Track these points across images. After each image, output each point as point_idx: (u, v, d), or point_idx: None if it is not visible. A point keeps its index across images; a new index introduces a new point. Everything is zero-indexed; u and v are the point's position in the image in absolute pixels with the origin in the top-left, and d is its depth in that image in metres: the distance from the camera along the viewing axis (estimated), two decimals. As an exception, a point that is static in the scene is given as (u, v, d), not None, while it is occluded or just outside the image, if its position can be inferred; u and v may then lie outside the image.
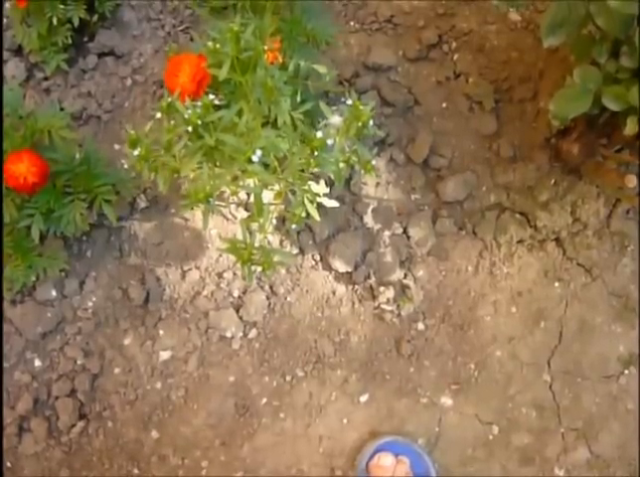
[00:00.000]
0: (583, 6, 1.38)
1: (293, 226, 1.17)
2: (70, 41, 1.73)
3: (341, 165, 1.12)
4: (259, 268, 1.07)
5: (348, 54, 1.81)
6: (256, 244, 1.09)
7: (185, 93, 1.28)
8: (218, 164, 1.12)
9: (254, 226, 1.29)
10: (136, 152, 1.12)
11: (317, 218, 1.38)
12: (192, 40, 1.74)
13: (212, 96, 1.09)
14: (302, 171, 1.18)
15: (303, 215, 1.33)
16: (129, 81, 1.78)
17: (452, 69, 1.83)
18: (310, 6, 1.52)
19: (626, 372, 1.76)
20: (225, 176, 1.09)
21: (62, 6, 1.66)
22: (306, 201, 1.34)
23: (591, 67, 1.46)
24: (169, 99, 1.09)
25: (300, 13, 1.47)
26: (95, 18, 1.76)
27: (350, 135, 1.08)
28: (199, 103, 1.07)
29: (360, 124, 1.07)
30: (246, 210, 1.69)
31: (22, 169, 1.34)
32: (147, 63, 1.79)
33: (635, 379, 1.75)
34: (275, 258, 1.14)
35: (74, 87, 1.77)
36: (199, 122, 1.04)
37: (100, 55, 1.79)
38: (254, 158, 1.06)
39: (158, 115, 1.11)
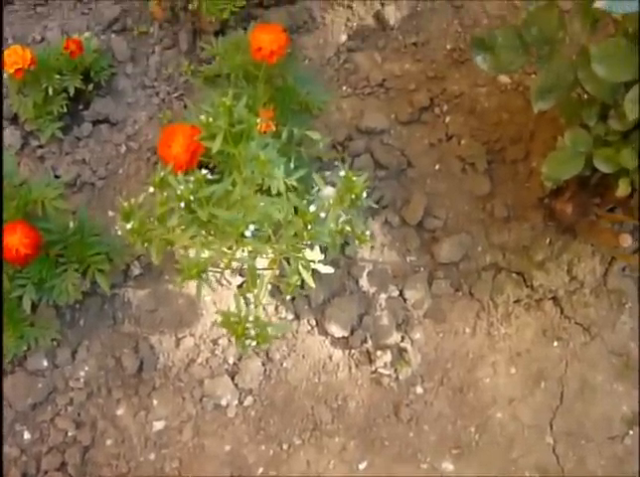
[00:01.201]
0: (572, 72, 1.41)
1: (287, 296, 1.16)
2: (65, 109, 1.75)
3: (335, 236, 1.12)
4: (253, 343, 1.06)
5: (341, 118, 1.84)
6: (250, 317, 1.08)
7: (179, 164, 1.29)
8: (211, 236, 1.12)
9: (250, 295, 1.28)
10: (129, 225, 1.11)
11: (312, 285, 1.37)
12: (185, 107, 1.77)
13: (204, 171, 1.09)
14: (296, 240, 1.18)
15: (298, 283, 1.32)
16: (123, 148, 1.79)
17: (444, 131, 1.86)
18: (302, 74, 1.55)
19: (630, 432, 1.73)
20: (218, 249, 1.08)
21: (58, 76, 1.69)
22: (301, 268, 1.34)
23: (581, 130, 1.48)
24: (161, 174, 1.09)
25: (293, 81, 1.50)
26: (91, 87, 1.78)
27: (343, 206, 1.08)
28: (191, 178, 1.07)
29: (353, 196, 1.07)
30: (241, 275, 1.68)
31: (14, 241, 1.34)
32: (141, 130, 1.81)
33: (640, 439, 1.72)
34: (270, 330, 1.13)
35: (68, 155, 1.78)
36: (191, 198, 1.04)
37: (95, 122, 1.81)
38: (247, 233, 1.06)
39: (151, 190, 1.10)
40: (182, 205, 1.04)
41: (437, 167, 1.83)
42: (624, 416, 1.73)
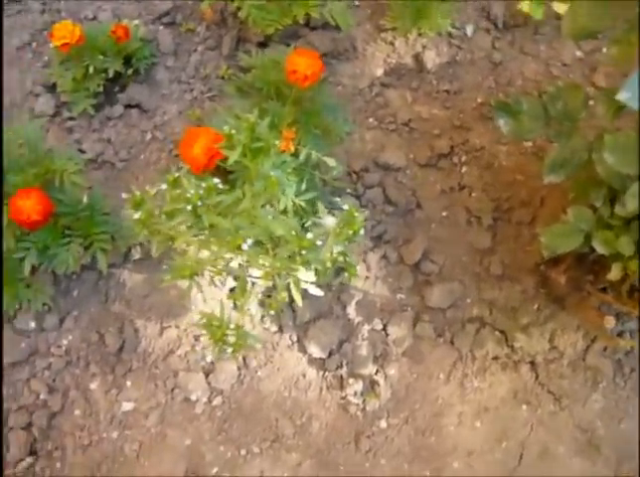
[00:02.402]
0: (587, 152, 1.45)
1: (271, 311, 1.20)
2: (101, 89, 1.82)
3: (327, 264, 1.16)
4: (229, 349, 1.10)
5: (361, 148, 1.88)
6: (232, 325, 1.12)
7: (196, 165, 1.34)
8: (211, 241, 1.17)
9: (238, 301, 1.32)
10: (137, 215, 1.16)
11: (300, 303, 1.41)
12: (216, 110, 1.82)
13: (216, 180, 1.13)
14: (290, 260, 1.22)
15: (285, 300, 1.37)
16: (149, 136, 1.85)
17: (458, 180, 1.90)
18: (331, 101, 1.60)
19: (578, 509, 1.75)
20: (215, 255, 1.13)
21: (101, 56, 1.76)
22: (292, 285, 1.38)
23: (586, 209, 1.52)
24: (176, 174, 1.14)
25: (321, 107, 1.55)
26: (130, 72, 1.85)
27: (340, 239, 1.12)
28: (203, 184, 1.12)
29: (351, 232, 1.11)
30: (235, 280, 1.72)
31: (27, 206, 1.39)
32: (170, 122, 1.86)
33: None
34: (248, 341, 1.17)
35: (95, 132, 1.84)
36: (199, 203, 1.09)
37: (127, 106, 1.88)
38: (244, 245, 1.11)
39: (164, 186, 1.15)
40: (189, 207, 1.09)
41: (444, 214, 1.87)
42: (576, 492, 1.75)
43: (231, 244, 1.11)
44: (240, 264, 1.31)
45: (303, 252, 1.10)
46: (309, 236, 1.11)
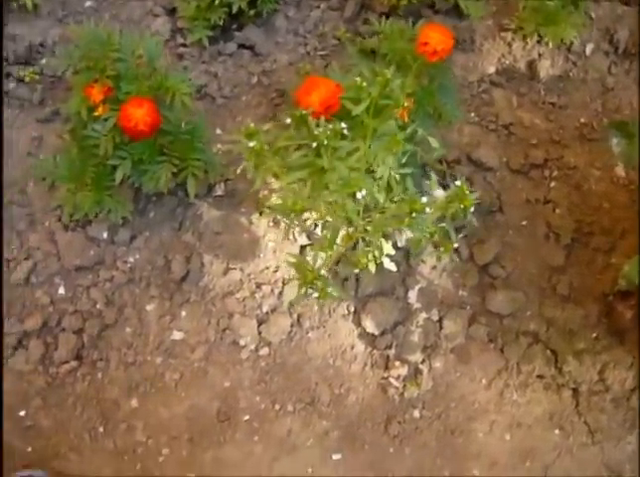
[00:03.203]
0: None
1: (356, 270, 1.20)
2: (221, 22, 1.83)
3: (427, 235, 1.16)
4: (315, 294, 1.10)
5: (458, 140, 1.87)
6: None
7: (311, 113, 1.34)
8: (315, 186, 1.17)
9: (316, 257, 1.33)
10: (252, 144, 1.17)
11: (372, 272, 1.41)
12: (326, 67, 1.82)
13: (343, 125, 1.13)
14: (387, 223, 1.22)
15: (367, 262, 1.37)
16: (255, 79, 1.86)
17: (545, 194, 1.88)
18: (448, 84, 1.59)
19: None
20: (320, 200, 1.13)
21: (229, -10, 1.77)
22: (371, 254, 1.38)
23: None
24: (303, 111, 1.14)
25: (437, 87, 1.54)
26: (252, 12, 1.86)
27: (447, 213, 1.12)
28: (329, 126, 1.12)
29: (462, 206, 1.10)
30: (308, 238, 1.72)
31: (138, 114, 1.40)
32: (278, 70, 1.87)
33: None
34: (330, 291, 1.17)
35: (204, 64, 1.86)
36: (324, 142, 1.09)
37: (240, 46, 1.89)
38: (359, 195, 1.11)
39: (288, 121, 1.16)
40: (314, 145, 1.09)
41: (524, 223, 1.85)
42: (589, 530, 1.73)
43: (344, 191, 1.11)
44: (331, 220, 1.31)
45: (414, 215, 1.09)
46: (424, 199, 1.10)
